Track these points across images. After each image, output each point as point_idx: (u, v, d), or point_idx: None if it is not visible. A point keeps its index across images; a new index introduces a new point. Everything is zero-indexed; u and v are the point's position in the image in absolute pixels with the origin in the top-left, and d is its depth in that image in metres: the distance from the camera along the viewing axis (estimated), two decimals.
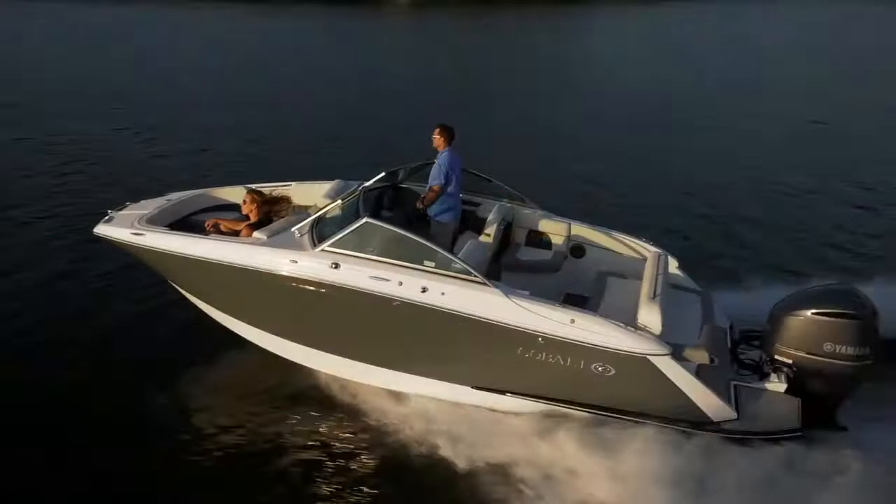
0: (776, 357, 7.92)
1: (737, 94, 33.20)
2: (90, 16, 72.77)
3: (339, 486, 7.87)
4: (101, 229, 9.52)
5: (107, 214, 9.70)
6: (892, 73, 39.39)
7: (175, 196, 10.31)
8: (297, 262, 8.18)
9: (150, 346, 10.52)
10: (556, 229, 9.95)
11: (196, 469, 8.14)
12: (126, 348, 10.45)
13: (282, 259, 8.25)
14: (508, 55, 52.44)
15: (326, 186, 10.15)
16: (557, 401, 8.09)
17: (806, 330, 7.66)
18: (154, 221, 9.37)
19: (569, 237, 9.80)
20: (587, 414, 8.04)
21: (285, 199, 9.36)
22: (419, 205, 9.41)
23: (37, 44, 47.07)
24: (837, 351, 7.52)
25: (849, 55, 48.15)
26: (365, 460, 8.23)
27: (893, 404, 8.24)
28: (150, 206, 9.87)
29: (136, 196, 10.41)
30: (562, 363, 7.70)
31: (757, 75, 38.71)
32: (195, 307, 9.80)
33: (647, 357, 7.43)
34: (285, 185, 10.35)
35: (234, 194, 10.45)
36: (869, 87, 34.85)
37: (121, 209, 9.82)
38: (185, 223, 9.71)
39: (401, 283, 7.87)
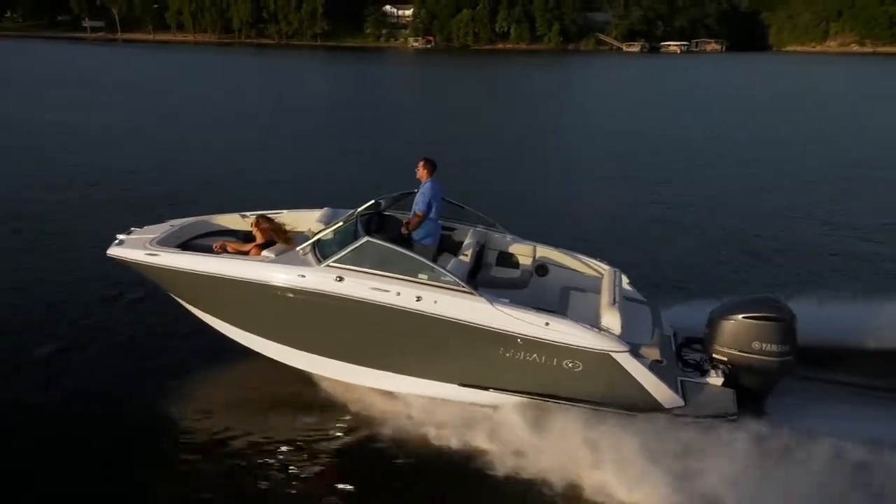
0: (714, 355, 9.41)
1: (701, 140, 36.71)
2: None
3: (341, 476, 8.89)
4: (115, 251, 10.38)
5: (115, 239, 10.57)
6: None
7: (177, 222, 11.24)
8: (304, 276, 9.24)
9: (157, 359, 11.45)
10: (523, 251, 11.24)
11: (203, 472, 8.97)
12: (135, 363, 11.35)
13: (291, 274, 9.29)
14: (502, 96, 57.66)
15: (317, 213, 11.32)
16: (533, 394, 9.32)
17: (738, 331, 9.16)
18: (163, 244, 10.31)
19: (534, 258, 11.10)
20: (558, 404, 9.27)
21: (287, 234, 10.38)
22: (404, 230, 10.53)
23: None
24: (764, 348, 9.04)
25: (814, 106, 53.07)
26: (365, 453, 9.27)
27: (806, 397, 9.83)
28: (155, 230, 10.80)
29: (140, 221, 11.33)
30: (538, 361, 8.96)
31: (725, 124, 42.78)
32: (201, 321, 10.69)
33: (610, 353, 8.77)
34: (277, 213, 11.35)
35: (230, 220, 11.52)
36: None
37: (128, 234, 10.72)
38: (189, 246, 10.63)
39: (398, 294, 9.02)
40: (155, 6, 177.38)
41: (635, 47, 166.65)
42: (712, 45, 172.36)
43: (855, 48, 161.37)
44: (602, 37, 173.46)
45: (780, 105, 54.08)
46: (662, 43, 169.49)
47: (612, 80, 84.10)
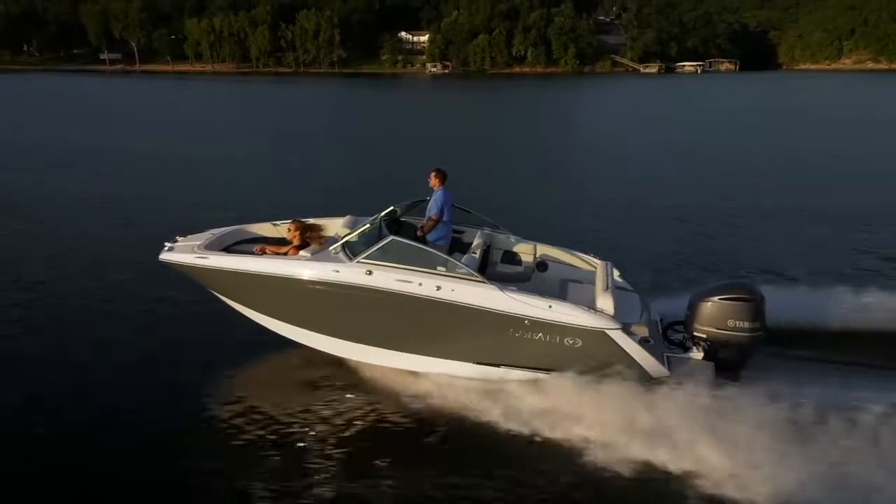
0: (695, 333, 10.68)
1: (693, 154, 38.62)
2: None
3: (373, 452, 9.92)
4: (166, 256, 11.63)
5: (164, 246, 11.75)
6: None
7: (217, 231, 12.47)
8: (339, 271, 10.53)
9: (202, 350, 12.81)
10: (524, 249, 12.51)
11: (241, 450, 9.90)
12: (182, 355, 12.68)
13: (326, 270, 10.57)
14: (514, 117, 60.20)
15: (340, 220, 12.60)
16: (539, 369, 10.56)
17: (715, 312, 10.44)
18: (209, 248, 11.58)
19: (535, 255, 12.36)
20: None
21: (318, 227, 11.82)
22: (419, 233, 11.73)
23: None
24: (738, 326, 10.31)
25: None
26: (394, 429, 10.36)
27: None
28: (199, 238, 12.03)
29: (184, 231, 12.52)
30: (542, 339, 10.22)
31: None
32: (241, 316, 11.91)
33: (605, 331, 10.05)
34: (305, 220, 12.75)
35: (264, 229, 12.83)
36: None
37: (174, 242, 11.91)
38: (231, 250, 11.87)
39: (420, 284, 10.30)
40: (172, 38, 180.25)
41: (653, 68, 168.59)
42: (726, 65, 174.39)
43: (870, 65, 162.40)
44: (618, 58, 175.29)
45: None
46: (678, 63, 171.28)
47: (646, 100, 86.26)
